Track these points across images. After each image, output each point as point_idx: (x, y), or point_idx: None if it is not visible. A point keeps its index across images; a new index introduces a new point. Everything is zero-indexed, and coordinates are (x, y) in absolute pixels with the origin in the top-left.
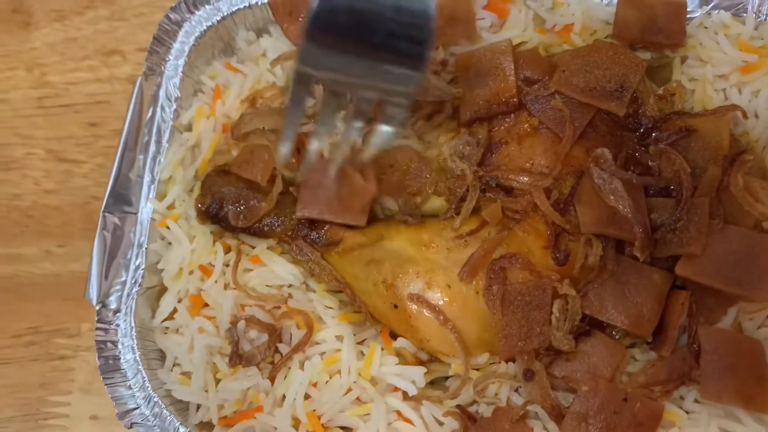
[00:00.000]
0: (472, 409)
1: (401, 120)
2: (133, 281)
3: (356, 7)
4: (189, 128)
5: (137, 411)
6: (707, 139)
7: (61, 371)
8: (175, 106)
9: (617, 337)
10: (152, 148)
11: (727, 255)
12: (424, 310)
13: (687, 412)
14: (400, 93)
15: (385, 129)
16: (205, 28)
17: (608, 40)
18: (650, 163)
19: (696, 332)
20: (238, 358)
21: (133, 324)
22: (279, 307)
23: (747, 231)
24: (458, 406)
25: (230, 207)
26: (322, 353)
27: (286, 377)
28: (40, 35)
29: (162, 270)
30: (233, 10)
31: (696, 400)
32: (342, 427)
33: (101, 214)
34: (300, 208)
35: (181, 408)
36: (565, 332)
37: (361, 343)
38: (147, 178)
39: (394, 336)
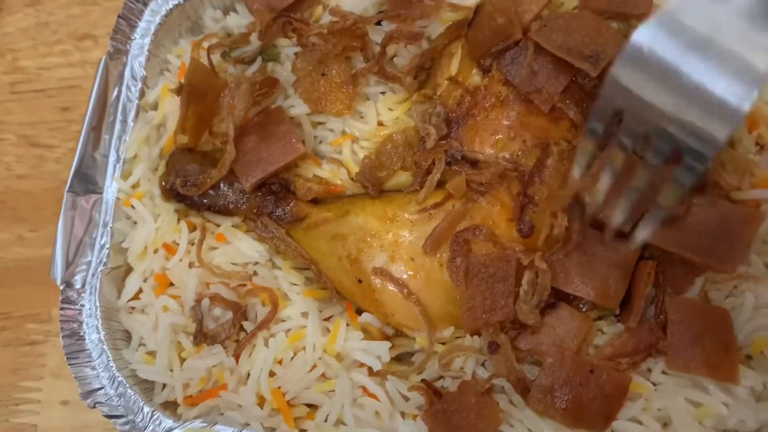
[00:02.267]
0: (438, 383)
1: (689, 185)
2: (98, 261)
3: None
4: (155, 107)
5: (101, 391)
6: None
7: (33, 356)
8: (140, 85)
9: (584, 309)
10: (117, 127)
11: (697, 224)
12: (388, 284)
13: (654, 384)
14: (699, 150)
15: (672, 189)
16: (171, 6)
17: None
18: None
19: (663, 303)
20: (202, 337)
21: (97, 304)
22: (244, 285)
23: (718, 200)
24: (423, 381)
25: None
26: (287, 330)
27: (250, 355)
28: (12, 20)
29: (127, 249)
30: None
31: (663, 372)
32: (307, 405)
33: (66, 194)
34: (244, 179)
35: (146, 388)
36: (532, 306)
37: (327, 320)
38: (112, 157)
39: (359, 312)
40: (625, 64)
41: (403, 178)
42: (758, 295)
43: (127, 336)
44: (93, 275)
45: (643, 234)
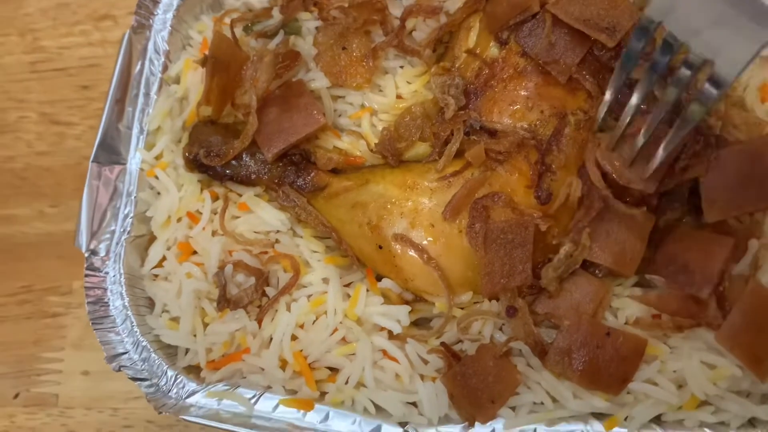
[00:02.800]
0: (456, 347)
1: (709, 105)
2: (122, 230)
3: None
4: (177, 81)
5: (126, 356)
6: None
7: (54, 328)
8: (163, 59)
9: (599, 275)
10: (141, 100)
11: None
12: (408, 250)
13: (669, 347)
14: (729, 64)
15: (694, 105)
16: None
17: None
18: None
19: (724, 278)
20: (225, 302)
21: (121, 271)
22: (266, 252)
23: (740, 147)
24: (443, 344)
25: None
26: (309, 295)
27: (273, 319)
28: (32, 1)
29: (151, 218)
30: None
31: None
32: (329, 368)
33: (90, 165)
34: (266, 150)
35: (170, 353)
36: (558, 274)
37: (347, 285)
38: (136, 129)
39: (379, 278)
40: None
41: (421, 149)
42: None
43: (151, 303)
44: (117, 243)
45: (662, 154)
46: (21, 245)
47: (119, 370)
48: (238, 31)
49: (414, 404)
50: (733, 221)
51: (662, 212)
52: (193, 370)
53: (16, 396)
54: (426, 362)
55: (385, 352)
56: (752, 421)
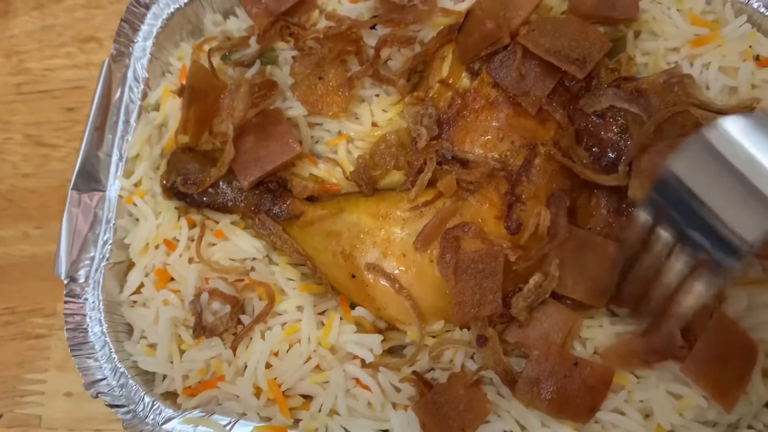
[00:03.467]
0: (428, 375)
1: (712, 289)
2: (101, 256)
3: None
4: (156, 108)
5: (104, 382)
6: (662, 95)
7: (37, 350)
8: (142, 86)
9: (570, 305)
10: (120, 127)
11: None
12: (381, 279)
13: (636, 376)
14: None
15: (697, 287)
16: (172, 10)
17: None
18: (602, 135)
19: None
20: (201, 329)
21: (100, 298)
22: (242, 280)
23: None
24: (414, 373)
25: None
26: (283, 323)
27: (247, 347)
28: (18, 23)
29: (129, 245)
30: None
31: None
32: (302, 395)
33: (70, 192)
34: (242, 178)
35: (147, 379)
36: (528, 304)
37: (322, 313)
38: (115, 156)
39: (353, 306)
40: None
41: (396, 177)
42: (752, 295)
43: (129, 329)
44: (96, 270)
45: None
46: (5, 267)
47: (97, 397)
48: (216, 60)
49: None
50: None
51: None
52: (170, 397)
53: (0, 417)
54: (398, 390)
55: (358, 381)
56: None
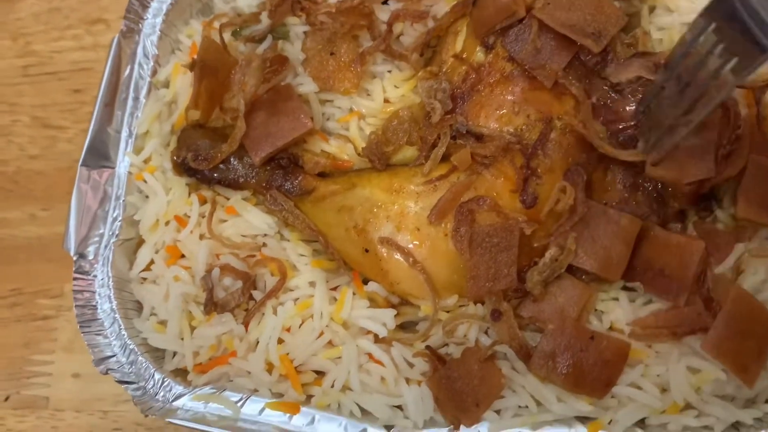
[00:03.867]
0: (442, 350)
1: (740, 76)
2: (110, 233)
3: None
4: (166, 85)
5: (113, 359)
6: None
7: (44, 331)
8: (152, 63)
9: (585, 280)
10: (130, 104)
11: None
12: (394, 253)
13: (655, 351)
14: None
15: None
16: None
17: None
18: (620, 110)
19: (706, 280)
20: (212, 305)
21: (110, 274)
22: (253, 256)
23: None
24: (428, 348)
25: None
26: (296, 299)
27: (259, 323)
28: (24, 6)
29: (139, 222)
30: None
31: None
32: (315, 371)
33: (79, 168)
34: (253, 154)
35: (157, 356)
36: (543, 278)
37: (334, 289)
38: (125, 133)
39: (366, 281)
40: None
41: (408, 152)
42: None
43: (139, 306)
44: (105, 247)
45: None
46: (12, 248)
47: (107, 373)
48: (227, 35)
49: (399, 407)
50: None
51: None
52: (180, 373)
53: (7, 399)
54: (411, 366)
55: (370, 356)
56: (736, 425)
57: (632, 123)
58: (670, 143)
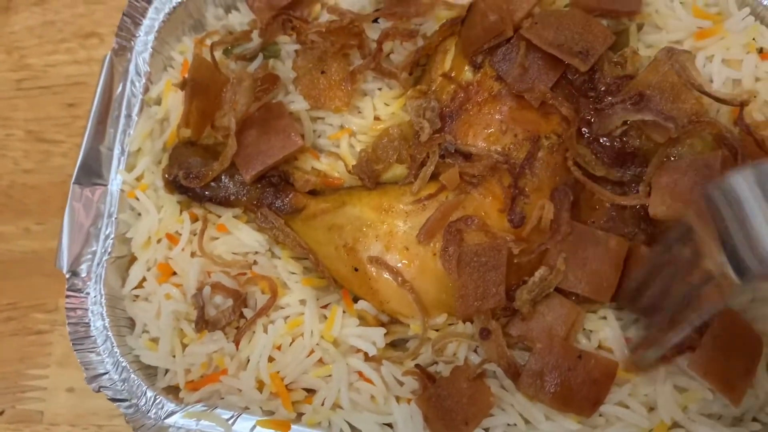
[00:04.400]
0: (431, 369)
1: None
2: (103, 250)
3: None
4: (158, 102)
5: (106, 376)
6: (664, 92)
7: (39, 345)
8: (144, 81)
9: (574, 300)
10: (122, 121)
11: None
12: (383, 272)
13: None
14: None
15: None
16: (174, 4)
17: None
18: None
19: None
20: (203, 323)
21: (102, 292)
22: (244, 274)
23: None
24: (417, 366)
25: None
26: (286, 317)
27: (250, 341)
28: (18, 19)
29: (131, 239)
30: None
31: None
32: (305, 389)
33: (71, 186)
34: (244, 172)
35: (149, 373)
36: (532, 297)
37: (324, 307)
38: (117, 150)
39: (356, 299)
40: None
41: (398, 170)
42: (755, 288)
43: (131, 323)
44: (98, 264)
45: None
46: (6, 263)
47: (99, 391)
48: (218, 54)
49: (389, 425)
50: None
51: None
52: (172, 391)
53: (2, 413)
54: (401, 384)
55: (360, 374)
56: None
57: (617, 136)
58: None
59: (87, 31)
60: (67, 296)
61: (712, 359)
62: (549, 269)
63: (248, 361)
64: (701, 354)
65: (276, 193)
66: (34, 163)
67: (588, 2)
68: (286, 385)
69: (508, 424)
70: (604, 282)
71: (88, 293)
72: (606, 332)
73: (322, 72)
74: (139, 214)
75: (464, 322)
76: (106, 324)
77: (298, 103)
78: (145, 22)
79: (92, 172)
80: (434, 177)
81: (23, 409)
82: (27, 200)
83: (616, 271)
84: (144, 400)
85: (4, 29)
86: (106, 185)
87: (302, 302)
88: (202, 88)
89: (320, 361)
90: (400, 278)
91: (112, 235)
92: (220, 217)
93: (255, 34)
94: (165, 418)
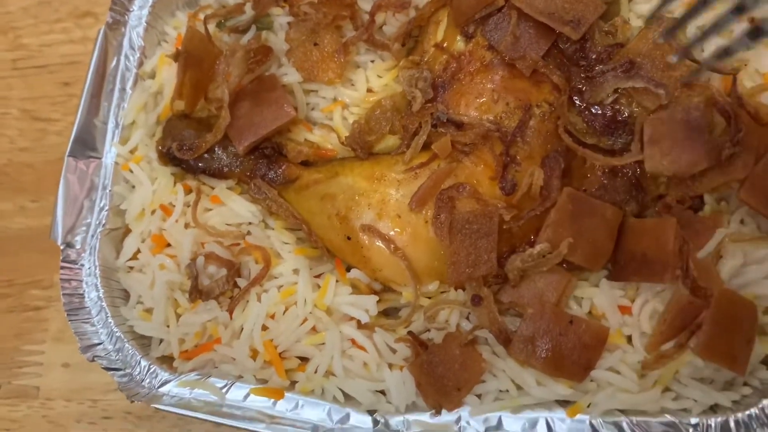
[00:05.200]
0: (423, 336)
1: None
2: (97, 222)
3: None
4: (152, 76)
5: (100, 346)
6: (654, 60)
7: (35, 321)
8: (138, 55)
9: (565, 267)
10: (116, 95)
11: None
12: (376, 240)
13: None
14: None
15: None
16: None
17: None
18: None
19: (689, 261)
20: (197, 293)
21: (97, 263)
22: (238, 244)
23: None
24: (410, 333)
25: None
26: (279, 286)
27: (244, 310)
28: None
29: (125, 211)
30: None
31: None
32: (299, 357)
33: (66, 159)
34: (237, 143)
35: (144, 343)
36: (523, 267)
37: (317, 276)
38: (111, 123)
39: (349, 268)
40: None
41: (391, 141)
42: (746, 252)
43: (125, 294)
44: (92, 236)
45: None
46: (2, 240)
47: (93, 360)
48: (212, 26)
49: (382, 392)
50: (678, 207)
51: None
52: (166, 360)
53: None
54: (394, 351)
55: (353, 341)
56: (714, 408)
57: (608, 104)
58: None
59: (82, 11)
60: (62, 268)
61: (716, 342)
62: (551, 248)
63: (242, 329)
64: (704, 339)
65: (269, 164)
66: (29, 142)
67: None
68: (280, 354)
69: (500, 390)
70: (599, 251)
71: (82, 265)
72: (599, 299)
73: (315, 44)
74: (133, 187)
75: (456, 289)
76: (101, 295)
77: (291, 76)
78: None
79: (86, 145)
80: (426, 146)
81: (19, 385)
82: (22, 178)
83: (611, 240)
84: (138, 370)
85: None
86: (100, 158)
87: (295, 271)
88: (196, 61)
89: (313, 329)
90: (392, 246)
91: (107, 207)
92: (213, 188)
93: (248, 7)
94: (159, 387)
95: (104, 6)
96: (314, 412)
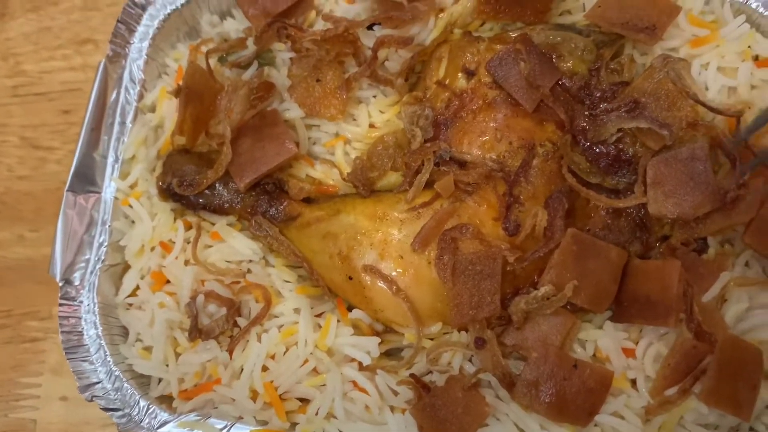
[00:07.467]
0: (426, 378)
1: None
2: (96, 258)
3: None
4: (153, 109)
5: (99, 385)
6: (659, 100)
7: (33, 353)
8: (138, 88)
9: (569, 309)
10: (116, 128)
11: None
12: (378, 281)
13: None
14: None
15: None
16: (169, 11)
17: None
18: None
19: (693, 305)
20: (197, 332)
21: (95, 300)
22: (238, 282)
23: None
24: (412, 375)
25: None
26: (280, 326)
27: (244, 350)
28: (14, 25)
29: (125, 247)
30: None
31: None
32: (299, 398)
33: (65, 194)
34: (238, 179)
35: (143, 382)
36: (527, 310)
37: (319, 316)
38: (111, 157)
39: (350, 308)
40: None
41: (393, 178)
42: (752, 296)
43: (124, 332)
44: (91, 272)
45: None
46: (1, 269)
47: (92, 400)
48: (213, 61)
49: None
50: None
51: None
52: (166, 400)
53: None
54: (396, 393)
55: (355, 384)
56: None
57: (612, 144)
58: None
59: (83, 38)
60: (60, 304)
61: (720, 388)
62: (555, 290)
63: (242, 370)
64: (709, 385)
65: (270, 200)
66: (28, 170)
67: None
68: (280, 395)
69: None
70: (603, 293)
71: (81, 301)
72: (603, 341)
73: (318, 80)
74: (133, 222)
75: (459, 331)
76: (99, 332)
77: (293, 111)
78: (140, 28)
79: (86, 180)
80: (429, 185)
81: (16, 418)
82: (21, 207)
83: (615, 281)
84: (137, 410)
85: None
86: (99, 193)
87: (296, 311)
88: (197, 96)
89: (314, 370)
90: (394, 287)
91: (106, 243)
92: (214, 224)
93: (250, 42)
94: (158, 427)
95: (105, 33)
96: None
